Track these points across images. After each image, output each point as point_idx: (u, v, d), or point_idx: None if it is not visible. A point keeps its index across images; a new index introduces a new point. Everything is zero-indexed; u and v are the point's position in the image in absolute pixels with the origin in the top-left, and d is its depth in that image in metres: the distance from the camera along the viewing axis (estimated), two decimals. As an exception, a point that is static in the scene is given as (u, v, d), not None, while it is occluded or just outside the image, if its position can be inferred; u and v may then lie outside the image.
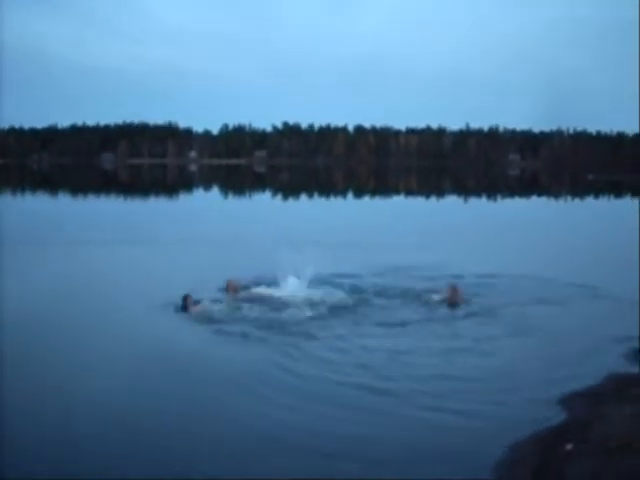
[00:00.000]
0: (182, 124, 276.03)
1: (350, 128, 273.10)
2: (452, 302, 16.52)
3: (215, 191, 78.56)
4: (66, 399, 10.57)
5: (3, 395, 10.56)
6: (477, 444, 8.90)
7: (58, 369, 12.04)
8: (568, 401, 10.21)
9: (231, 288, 18.06)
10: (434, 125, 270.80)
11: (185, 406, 10.31)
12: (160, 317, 15.43)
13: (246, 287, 18.48)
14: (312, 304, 16.61)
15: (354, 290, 18.36)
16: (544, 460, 8.05)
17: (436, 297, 16.93)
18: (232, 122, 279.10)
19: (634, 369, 11.77)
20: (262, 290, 18.19)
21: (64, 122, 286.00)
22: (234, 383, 11.29)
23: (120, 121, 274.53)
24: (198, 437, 9.17)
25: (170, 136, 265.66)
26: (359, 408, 10.18)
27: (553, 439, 8.61)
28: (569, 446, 8.25)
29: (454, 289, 16.77)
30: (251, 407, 10.21)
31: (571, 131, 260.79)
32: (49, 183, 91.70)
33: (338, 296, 17.55)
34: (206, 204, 58.07)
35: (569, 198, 71.70)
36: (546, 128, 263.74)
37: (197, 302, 16.06)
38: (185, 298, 15.85)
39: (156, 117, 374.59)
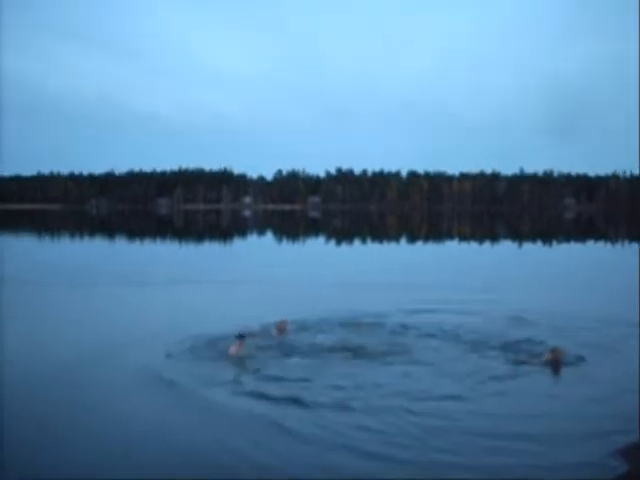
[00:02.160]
0: (237, 170, 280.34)
1: (403, 173, 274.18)
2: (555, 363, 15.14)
3: (269, 236, 79.07)
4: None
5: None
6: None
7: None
8: (628, 451, 10.00)
9: (281, 329, 18.14)
10: (488, 170, 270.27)
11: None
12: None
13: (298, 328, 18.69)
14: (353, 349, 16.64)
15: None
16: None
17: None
18: (286, 168, 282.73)
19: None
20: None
21: (121, 168, 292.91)
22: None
23: (176, 167, 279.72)
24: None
25: (225, 182, 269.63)
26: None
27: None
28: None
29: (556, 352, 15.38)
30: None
31: (627, 174, 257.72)
32: (107, 228, 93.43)
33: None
34: (260, 248, 58.47)
35: (626, 242, 70.50)
36: (601, 172, 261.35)
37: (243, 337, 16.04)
38: (239, 337, 15.89)
39: (211, 163, 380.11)
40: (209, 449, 10.35)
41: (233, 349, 15.67)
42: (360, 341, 17.33)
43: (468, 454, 10.00)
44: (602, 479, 9.04)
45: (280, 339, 17.51)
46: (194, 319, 20.24)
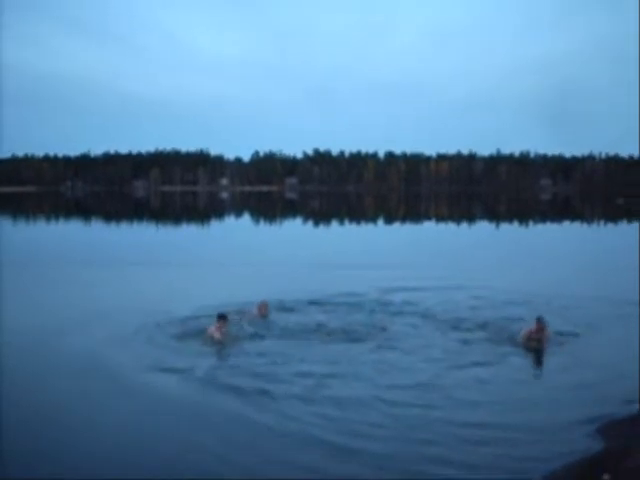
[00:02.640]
0: (213, 151, 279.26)
1: (381, 154, 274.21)
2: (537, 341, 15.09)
3: (246, 218, 78.86)
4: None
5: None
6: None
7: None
8: (605, 428, 10.10)
9: (262, 310, 18.08)
10: (465, 151, 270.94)
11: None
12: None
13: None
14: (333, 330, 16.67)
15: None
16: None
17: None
18: (263, 149, 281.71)
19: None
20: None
21: (97, 150, 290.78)
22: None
23: (152, 149, 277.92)
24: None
25: (201, 163, 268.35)
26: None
27: (589, 468, 8.49)
28: (606, 476, 8.13)
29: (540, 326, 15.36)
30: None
31: (603, 155, 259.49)
32: (82, 210, 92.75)
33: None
34: (237, 230, 58.32)
35: (601, 223, 71.07)
36: (578, 153, 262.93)
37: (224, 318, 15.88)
38: (219, 317, 15.72)
39: (188, 145, 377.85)
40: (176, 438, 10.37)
41: (213, 330, 15.52)
42: (338, 322, 17.37)
43: (445, 445, 9.82)
44: (581, 457, 9.10)
45: (261, 320, 17.49)
46: (171, 300, 20.12)
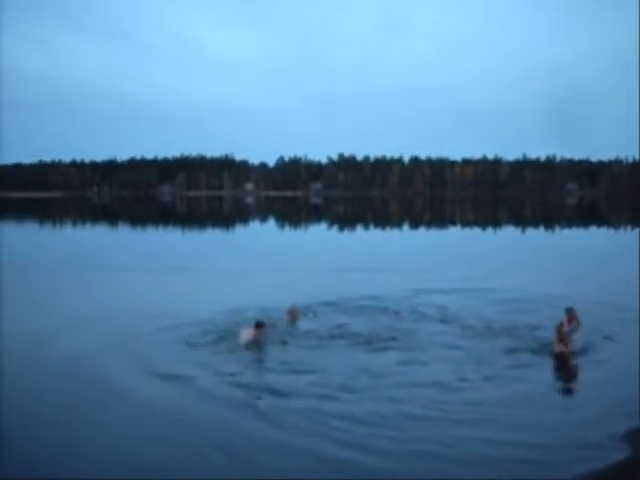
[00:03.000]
0: (238, 157, 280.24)
1: (405, 159, 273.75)
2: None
3: (271, 222, 79.08)
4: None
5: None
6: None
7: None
8: (632, 435, 10.05)
9: (292, 315, 18.10)
10: (490, 155, 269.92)
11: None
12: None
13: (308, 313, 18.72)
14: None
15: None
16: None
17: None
18: (288, 154, 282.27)
19: None
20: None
21: (123, 155, 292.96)
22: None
23: (178, 154, 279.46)
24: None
25: (227, 168, 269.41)
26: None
27: (616, 476, 8.47)
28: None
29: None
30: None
31: (630, 159, 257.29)
32: (109, 215, 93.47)
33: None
34: (262, 235, 58.47)
35: (628, 228, 70.46)
36: (604, 157, 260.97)
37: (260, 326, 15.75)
38: (257, 325, 15.65)
39: (213, 150, 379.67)
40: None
41: (248, 335, 15.45)
42: (362, 327, 17.38)
43: (459, 447, 9.77)
44: (604, 464, 9.06)
45: (290, 326, 17.52)
46: (198, 306, 20.19)
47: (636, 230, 67.52)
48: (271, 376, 13.24)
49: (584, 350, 15.04)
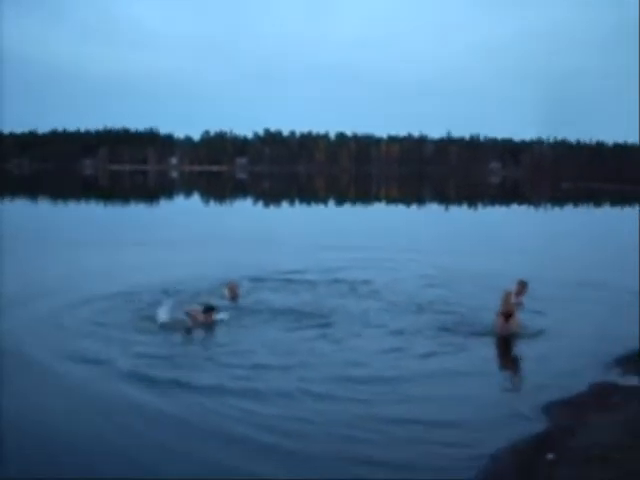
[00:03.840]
0: (163, 130, 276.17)
1: (332, 135, 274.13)
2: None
3: (196, 198, 78.29)
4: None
5: None
6: (459, 451, 8.90)
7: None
8: (551, 409, 10.23)
9: (232, 292, 17.75)
10: (415, 133, 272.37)
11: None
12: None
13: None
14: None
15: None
16: (525, 469, 8.02)
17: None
18: (213, 128, 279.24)
19: (616, 377, 11.84)
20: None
21: (44, 127, 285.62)
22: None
23: (101, 127, 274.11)
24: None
25: (151, 142, 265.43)
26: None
27: (534, 448, 8.59)
28: (550, 455, 8.22)
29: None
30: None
31: (551, 140, 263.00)
32: (29, 188, 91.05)
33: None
34: (187, 210, 57.86)
35: (548, 206, 72.09)
36: (527, 137, 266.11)
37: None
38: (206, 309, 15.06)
39: (137, 123, 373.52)
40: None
41: (198, 319, 14.79)
42: (286, 303, 17.23)
43: (381, 445, 9.27)
44: (527, 436, 9.19)
45: (232, 303, 17.19)
46: (122, 280, 19.81)
47: (556, 208, 69.18)
48: (200, 358, 12.90)
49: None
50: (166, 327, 14.57)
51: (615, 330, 15.00)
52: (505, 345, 14.14)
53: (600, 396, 10.53)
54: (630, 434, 8.19)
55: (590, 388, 11.06)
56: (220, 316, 15.32)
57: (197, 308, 15.11)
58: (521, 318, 14.74)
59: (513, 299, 14.79)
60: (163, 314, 14.90)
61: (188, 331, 14.56)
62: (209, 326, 14.84)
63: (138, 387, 11.15)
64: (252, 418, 9.92)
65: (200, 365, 12.33)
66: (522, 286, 14.98)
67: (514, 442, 8.90)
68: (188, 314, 14.83)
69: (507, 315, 14.46)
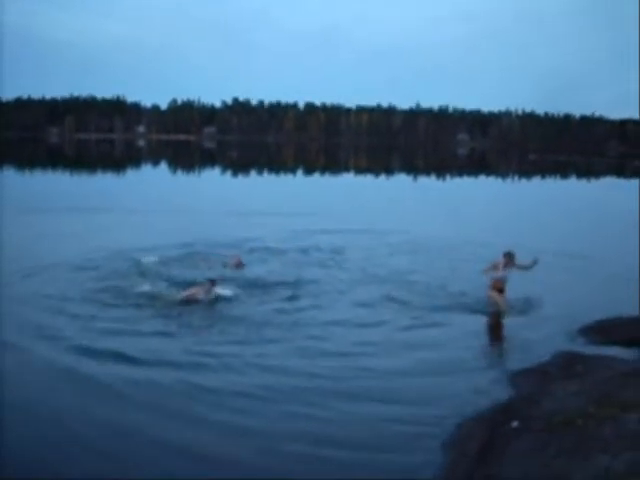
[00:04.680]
0: (130, 99, 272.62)
1: (300, 105, 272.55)
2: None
3: (163, 167, 77.60)
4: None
5: None
6: (425, 422, 8.98)
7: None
8: (516, 379, 10.38)
9: (236, 264, 17.78)
10: (384, 104, 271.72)
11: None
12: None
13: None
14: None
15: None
16: (490, 436, 8.12)
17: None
18: (181, 97, 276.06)
19: (580, 347, 12.04)
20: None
21: (8, 95, 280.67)
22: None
23: (67, 95, 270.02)
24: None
25: (118, 111, 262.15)
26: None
27: (500, 416, 8.69)
28: (515, 423, 8.33)
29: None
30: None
31: (519, 112, 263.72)
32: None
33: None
34: (154, 179, 57.39)
35: (515, 178, 72.56)
36: (495, 108, 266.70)
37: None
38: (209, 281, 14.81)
39: (104, 91, 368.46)
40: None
41: (200, 291, 14.57)
42: (251, 274, 17.16)
43: (336, 423, 9.10)
44: (493, 405, 9.31)
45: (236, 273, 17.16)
46: (82, 246, 19.60)
47: (523, 180, 69.64)
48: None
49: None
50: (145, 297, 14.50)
51: (585, 300, 15.26)
52: (475, 316, 14.27)
53: (564, 365, 10.68)
54: (592, 401, 8.31)
55: (554, 358, 11.23)
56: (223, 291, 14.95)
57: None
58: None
59: (500, 271, 14.79)
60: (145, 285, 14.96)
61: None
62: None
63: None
64: (198, 394, 9.77)
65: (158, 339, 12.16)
66: (509, 258, 14.83)
67: (480, 411, 9.02)
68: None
69: (500, 290, 14.62)
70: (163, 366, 10.79)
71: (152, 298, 14.42)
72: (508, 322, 13.98)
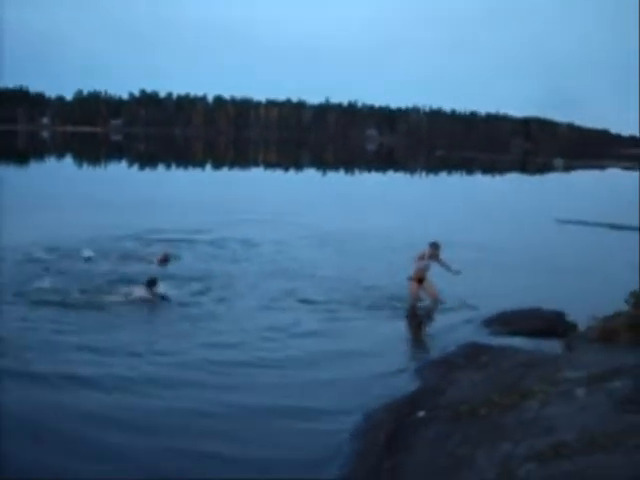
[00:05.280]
0: (33, 89, 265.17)
1: (210, 98, 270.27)
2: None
3: (69, 160, 75.73)
4: None
5: None
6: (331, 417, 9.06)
7: None
8: (423, 370, 10.59)
9: (160, 260, 17.42)
10: (294, 98, 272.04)
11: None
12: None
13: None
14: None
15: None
16: (397, 426, 8.25)
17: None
18: (87, 88, 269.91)
19: (485, 337, 12.38)
20: None
21: None
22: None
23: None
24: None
25: (20, 101, 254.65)
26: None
27: (407, 406, 8.84)
28: (422, 413, 8.49)
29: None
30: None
31: (427, 109, 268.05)
32: None
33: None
34: (59, 173, 56.00)
35: (423, 173, 73.82)
36: (403, 104, 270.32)
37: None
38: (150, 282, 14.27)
39: (6, 80, 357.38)
40: None
41: (141, 293, 14.10)
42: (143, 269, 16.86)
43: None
44: (400, 396, 9.45)
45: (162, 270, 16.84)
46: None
47: (431, 175, 70.88)
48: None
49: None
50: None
51: (489, 291, 15.66)
52: (382, 310, 14.47)
53: (469, 356, 10.94)
54: (496, 390, 8.53)
55: (460, 348, 11.49)
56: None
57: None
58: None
59: (425, 260, 14.95)
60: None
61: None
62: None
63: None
64: (84, 408, 9.03)
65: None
66: (434, 248, 14.97)
67: (387, 402, 9.14)
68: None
69: (419, 280, 14.80)
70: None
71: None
72: (415, 315, 14.25)
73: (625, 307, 10.88)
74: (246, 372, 10.53)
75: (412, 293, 14.83)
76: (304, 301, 14.60)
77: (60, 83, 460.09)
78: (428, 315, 14.45)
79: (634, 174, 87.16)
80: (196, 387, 9.82)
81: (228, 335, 12.14)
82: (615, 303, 11.15)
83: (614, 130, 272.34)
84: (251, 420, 8.82)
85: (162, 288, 14.35)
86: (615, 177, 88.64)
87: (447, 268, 15.04)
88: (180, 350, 11.25)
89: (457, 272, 14.97)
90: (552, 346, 11.50)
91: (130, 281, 14.88)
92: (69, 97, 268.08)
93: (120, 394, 9.44)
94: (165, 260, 17.48)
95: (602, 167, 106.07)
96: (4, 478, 7.28)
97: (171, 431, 8.44)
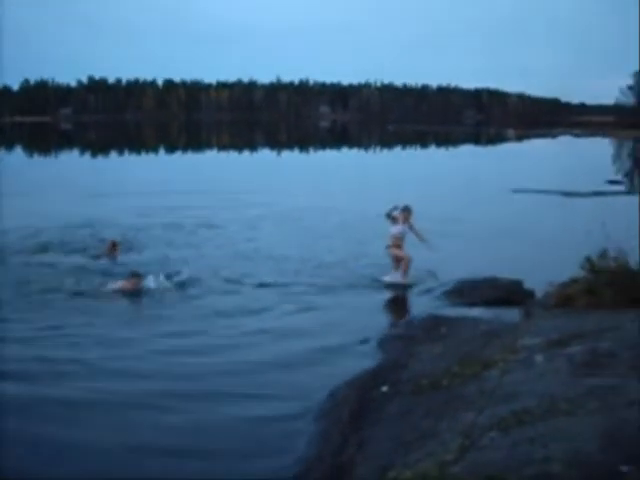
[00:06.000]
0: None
1: (159, 82, 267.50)
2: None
3: (19, 151, 74.35)
4: None
5: None
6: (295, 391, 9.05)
7: None
8: (384, 345, 10.61)
9: (112, 249, 16.90)
10: (245, 78, 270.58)
11: None
12: None
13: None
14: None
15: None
16: (361, 402, 8.26)
17: None
18: (34, 77, 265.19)
19: (444, 309, 12.46)
20: None
21: None
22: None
23: None
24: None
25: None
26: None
27: (370, 382, 8.85)
28: (384, 388, 8.51)
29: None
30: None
31: (378, 84, 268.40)
32: None
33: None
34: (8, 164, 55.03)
35: (377, 148, 73.98)
36: (354, 81, 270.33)
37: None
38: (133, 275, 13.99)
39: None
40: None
41: (125, 285, 13.81)
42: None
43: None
44: (363, 371, 9.47)
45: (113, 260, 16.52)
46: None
47: (384, 150, 71.05)
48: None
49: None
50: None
51: (449, 261, 15.75)
52: (341, 287, 14.48)
53: (429, 328, 10.99)
54: (457, 361, 8.59)
55: (419, 321, 11.55)
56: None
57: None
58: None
59: (400, 225, 14.85)
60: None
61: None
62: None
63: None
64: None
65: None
66: (407, 213, 14.92)
67: (349, 380, 9.13)
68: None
69: (397, 247, 14.79)
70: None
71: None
72: (372, 289, 14.25)
73: (581, 273, 10.98)
74: (198, 361, 10.24)
75: (396, 259, 14.79)
76: (262, 284, 14.46)
77: (4, 73, 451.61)
78: (391, 286, 14.47)
79: (584, 141, 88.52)
80: (145, 378, 9.53)
81: (183, 324, 11.94)
82: (571, 269, 11.23)
83: (564, 99, 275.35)
84: (205, 410, 8.62)
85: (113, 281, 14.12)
86: (566, 145, 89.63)
87: (420, 237, 14.95)
88: (133, 340, 11.02)
89: (426, 243, 14.90)
90: (511, 315, 11.58)
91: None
92: (15, 87, 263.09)
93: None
94: (114, 249, 16.90)
95: (553, 135, 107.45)
96: (4, 478, 7.14)
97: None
